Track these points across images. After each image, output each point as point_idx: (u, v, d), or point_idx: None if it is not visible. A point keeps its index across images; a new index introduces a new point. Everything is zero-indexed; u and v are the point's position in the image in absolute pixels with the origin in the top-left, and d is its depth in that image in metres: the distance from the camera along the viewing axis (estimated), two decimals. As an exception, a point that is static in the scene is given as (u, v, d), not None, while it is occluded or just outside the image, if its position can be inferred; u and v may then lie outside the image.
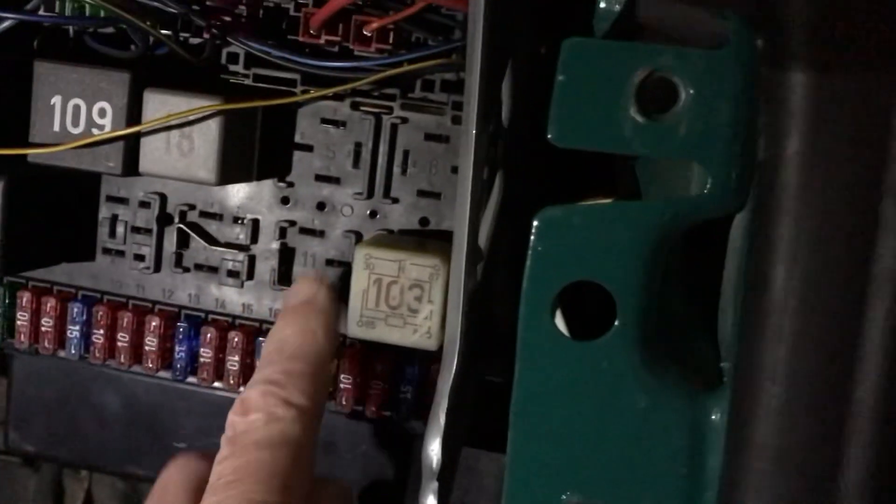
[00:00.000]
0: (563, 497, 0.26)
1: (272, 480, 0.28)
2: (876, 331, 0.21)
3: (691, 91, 0.24)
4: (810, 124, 0.21)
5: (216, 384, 0.40)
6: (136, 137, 0.36)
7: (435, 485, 0.32)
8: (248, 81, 0.39)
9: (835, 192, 0.21)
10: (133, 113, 0.36)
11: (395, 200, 0.39)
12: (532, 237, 0.25)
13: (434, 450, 0.33)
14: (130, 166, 0.37)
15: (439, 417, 0.34)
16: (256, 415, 0.29)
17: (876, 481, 0.21)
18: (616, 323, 0.25)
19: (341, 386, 0.40)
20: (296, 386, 0.30)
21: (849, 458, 0.21)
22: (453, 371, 0.33)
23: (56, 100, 0.36)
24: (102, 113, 0.36)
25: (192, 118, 0.36)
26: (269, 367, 0.31)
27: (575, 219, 0.25)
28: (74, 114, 0.36)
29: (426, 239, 0.38)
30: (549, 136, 0.25)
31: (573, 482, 0.26)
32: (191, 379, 0.41)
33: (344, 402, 0.40)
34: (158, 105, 0.36)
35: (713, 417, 0.25)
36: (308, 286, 0.35)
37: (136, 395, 0.45)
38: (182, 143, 0.36)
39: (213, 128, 0.36)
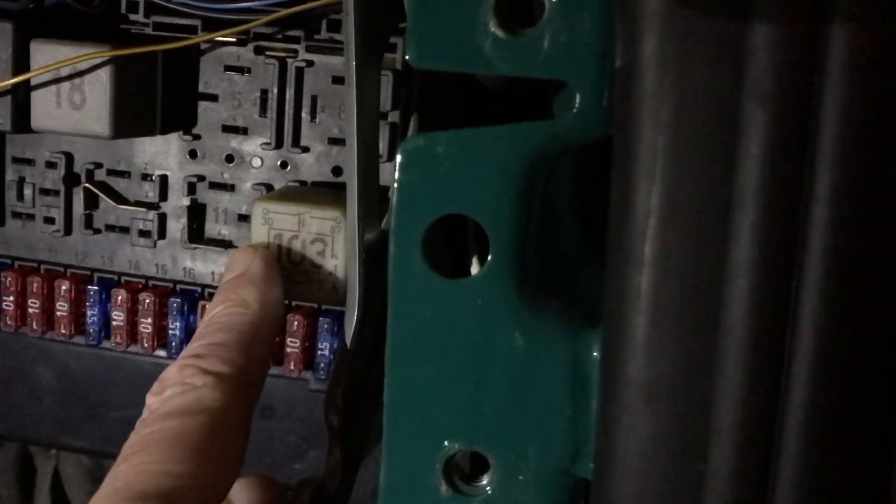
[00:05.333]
0: (445, 444, 0.24)
1: (177, 448, 0.25)
2: (741, 251, 0.19)
3: (553, 0, 0.22)
4: (665, 25, 0.19)
5: (132, 348, 0.39)
6: (26, 92, 0.35)
7: (338, 442, 0.31)
8: (148, 30, 0.37)
9: (692, 96, 0.19)
10: (19, 66, 0.35)
11: (306, 149, 0.37)
12: (397, 170, 0.23)
13: (336, 407, 0.31)
14: (21, 123, 0.35)
15: (342, 372, 0.32)
16: (171, 389, 0.27)
17: (748, 413, 0.20)
18: (489, 258, 0.24)
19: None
20: (217, 355, 0.28)
21: (719, 390, 0.20)
22: (354, 323, 0.31)
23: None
24: (-14, 67, 0.35)
25: (81, 68, 0.34)
26: (193, 344, 0.29)
27: (439, 147, 0.23)
28: (-45, 69, 0.35)
29: (338, 191, 0.37)
30: (406, 58, 0.23)
31: (454, 428, 0.24)
32: (106, 343, 0.39)
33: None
34: (47, 56, 0.34)
35: (595, 354, 0.23)
36: (241, 258, 0.32)
37: (67, 364, 0.44)
38: (73, 96, 0.35)
39: (103, 78, 0.34)
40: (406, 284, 0.24)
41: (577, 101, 0.22)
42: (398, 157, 0.23)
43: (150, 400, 0.27)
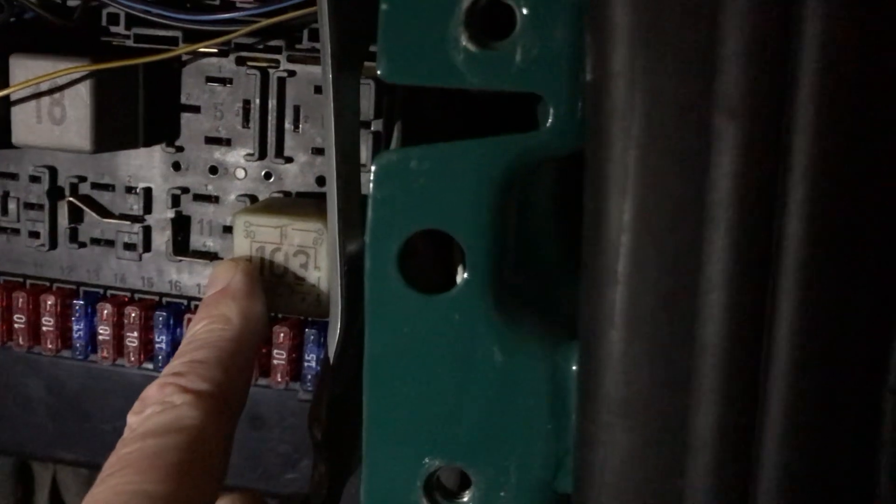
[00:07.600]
0: (425, 461, 0.24)
1: (156, 468, 0.25)
2: (715, 266, 0.19)
3: (525, 12, 0.22)
4: (634, 39, 0.19)
5: (118, 362, 0.39)
6: (6, 108, 0.35)
7: (322, 455, 0.31)
8: (129, 42, 0.37)
9: (662, 110, 0.19)
10: (-1, 81, 0.34)
11: (289, 160, 0.37)
12: (371, 184, 0.23)
13: (320, 420, 0.31)
14: (2, 138, 0.35)
15: (325, 385, 0.32)
16: (151, 408, 0.27)
17: (725, 428, 0.19)
18: (465, 273, 0.23)
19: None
20: (196, 373, 0.28)
21: (696, 406, 0.19)
22: (337, 336, 0.31)
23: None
24: (-35, 83, 0.34)
25: (61, 83, 0.34)
26: (174, 362, 0.29)
27: (412, 162, 0.23)
28: (-66, 85, 0.34)
29: (321, 202, 0.37)
30: (378, 73, 0.23)
31: (433, 446, 0.24)
32: (93, 357, 0.39)
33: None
34: (26, 71, 0.34)
35: (574, 368, 0.23)
36: (223, 273, 0.32)
37: (56, 377, 0.44)
38: (53, 111, 0.35)
39: (83, 92, 0.34)
40: (382, 301, 0.24)
41: (551, 113, 0.22)
42: (372, 170, 0.23)
43: (131, 419, 0.27)
